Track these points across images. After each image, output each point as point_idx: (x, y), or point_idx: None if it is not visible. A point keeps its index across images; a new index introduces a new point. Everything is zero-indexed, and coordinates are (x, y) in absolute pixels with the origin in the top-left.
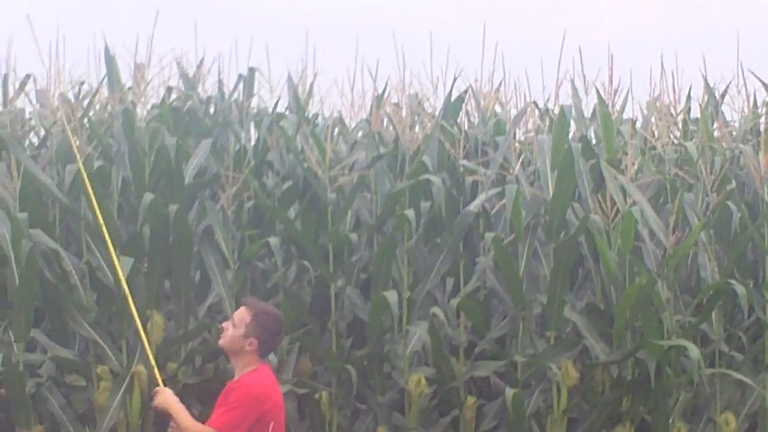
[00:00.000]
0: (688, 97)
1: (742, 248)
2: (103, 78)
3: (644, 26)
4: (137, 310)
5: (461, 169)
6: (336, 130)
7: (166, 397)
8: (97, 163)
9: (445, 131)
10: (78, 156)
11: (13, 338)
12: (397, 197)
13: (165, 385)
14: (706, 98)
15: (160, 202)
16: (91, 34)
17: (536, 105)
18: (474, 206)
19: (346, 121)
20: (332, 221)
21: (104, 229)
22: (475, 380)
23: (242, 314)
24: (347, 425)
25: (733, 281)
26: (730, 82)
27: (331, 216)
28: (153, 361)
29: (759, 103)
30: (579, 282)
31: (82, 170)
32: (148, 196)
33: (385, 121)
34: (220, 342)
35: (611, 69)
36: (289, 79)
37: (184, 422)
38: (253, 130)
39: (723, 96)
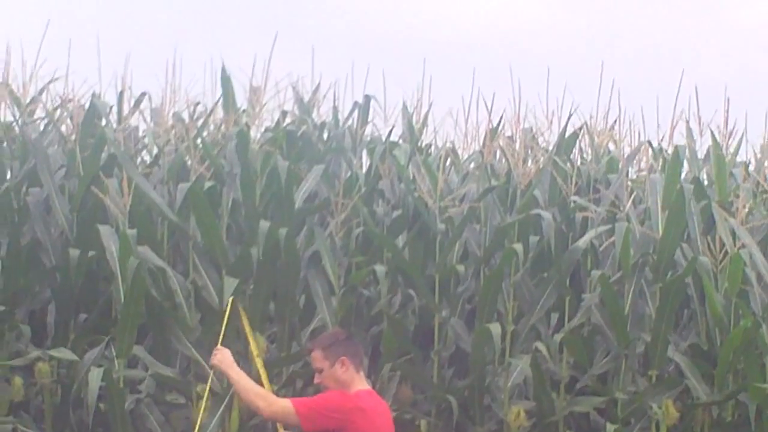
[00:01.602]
0: None
1: None
2: (219, 99)
3: (763, 65)
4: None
5: (572, 205)
6: (448, 160)
7: (226, 357)
8: (208, 184)
9: (557, 167)
10: None
11: (115, 354)
12: (506, 230)
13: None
14: None
15: (273, 225)
16: (208, 54)
17: (650, 144)
18: (583, 242)
19: (459, 152)
20: (440, 252)
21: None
22: (574, 415)
23: (315, 356)
24: None
25: None
26: None
27: (439, 246)
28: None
29: None
30: (684, 322)
31: None
32: (265, 224)
33: (498, 153)
34: (328, 387)
35: (727, 112)
36: (404, 107)
37: (240, 383)
38: (365, 158)
39: None
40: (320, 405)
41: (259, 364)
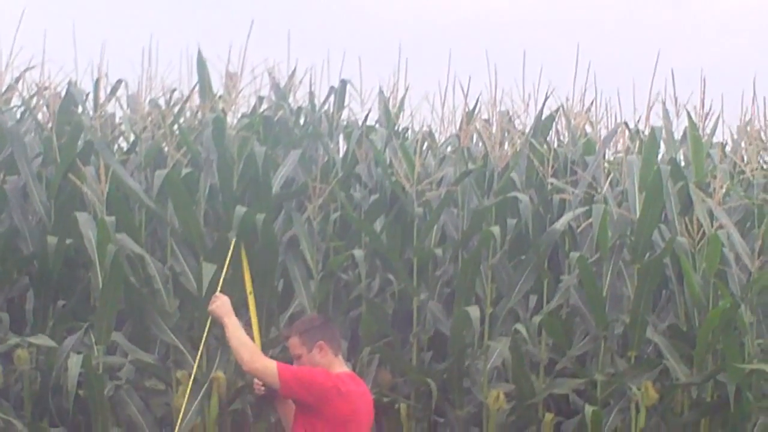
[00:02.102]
0: None
1: None
2: (195, 85)
3: (738, 50)
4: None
5: (549, 188)
6: (425, 144)
7: (224, 304)
8: (185, 170)
9: (534, 149)
10: None
11: (94, 341)
12: (483, 213)
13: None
14: None
15: (249, 211)
16: (184, 41)
17: (627, 126)
18: (560, 224)
19: (436, 136)
20: (418, 235)
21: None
22: (553, 397)
23: (293, 343)
24: None
25: None
26: None
27: (417, 230)
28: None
29: None
30: (662, 303)
31: None
32: (241, 209)
33: (475, 137)
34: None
35: (703, 93)
36: (381, 92)
37: (234, 332)
38: (342, 142)
39: None
40: (304, 377)
41: (253, 320)
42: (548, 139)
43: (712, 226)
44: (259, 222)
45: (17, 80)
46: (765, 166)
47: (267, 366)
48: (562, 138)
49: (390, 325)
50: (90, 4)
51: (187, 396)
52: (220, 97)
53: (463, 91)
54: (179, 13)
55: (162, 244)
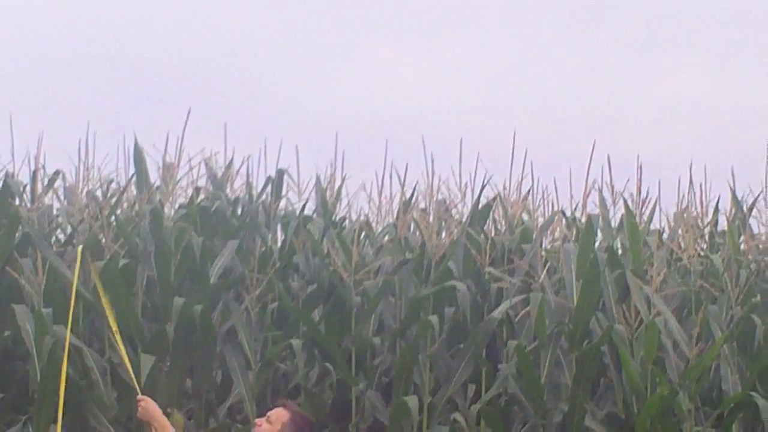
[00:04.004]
0: (716, 209)
1: (765, 361)
2: (132, 176)
3: (674, 137)
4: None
5: (486, 276)
6: (363, 234)
7: (150, 407)
8: (122, 261)
9: (471, 238)
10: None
11: None
12: (421, 302)
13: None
14: (733, 211)
15: (187, 302)
16: (120, 132)
17: (563, 214)
18: (498, 313)
19: (373, 225)
20: (356, 324)
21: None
22: None
23: (280, 413)
24: None
25: (754, 394)
26: (759, 195)
27: (355, 319)
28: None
29: None
30: (600, 391)
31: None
32: (179, 300)
33: (412, 226)
34: None
35: (639, 180)
36: (318, 182)
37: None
38: (280, 232)
39: (751, 209)
40: None
41: (116, 335)
42: (485, 227)
43: (649, 313)
44: (197, 313)
45: None
46: (702, 254)
47: None
48: (499, 226)
49: (328, 415)
50: (27, 96)
51: None
52: (157, 187)
53: (399, 180)
54: (115, 103)
55: (100, 336)
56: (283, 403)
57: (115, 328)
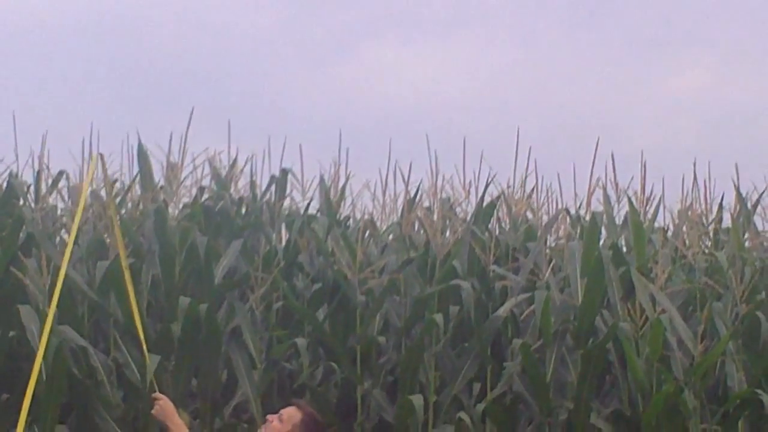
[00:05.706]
0: (720, 206)
1: None
2: (136, 176)
3: (678, 134)
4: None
5: (491, 275)
6: (367, 232)
7: (166, 407)
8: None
9: (476, 236)
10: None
11: None
12: (426, 301)
13: None
14: (738, 208)
15: (192, 301)
16: (124, 132)
17: (568, 212)
18: (503, 311)
19: (378, 224)
20: (361, 323)
21: (139, 326)
22: None
23: (292, 413)
24: None
25: (759, 391)
26: (763, 192)
27: (360, 318)
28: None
29: None
30: (606, 389)
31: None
32: (184, 300)
33: (417, 224)
34: None
35: (644, 177)
36: (322, 181)
37: None
38: (284, 232)
39: (755, 206)
40: None
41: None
42: (490, 226)
43: (654, 310)
44: (202, 312)
45: None
46: (706, 251)
47: None
48: (503, 225)
49: (334, 414)
50: (30, 95)
51: None
52: (161, 187)
53: (404, 178)
54: (119, 102)
55: (105, 336)
56: (296, 402)
57: (127, 275)
